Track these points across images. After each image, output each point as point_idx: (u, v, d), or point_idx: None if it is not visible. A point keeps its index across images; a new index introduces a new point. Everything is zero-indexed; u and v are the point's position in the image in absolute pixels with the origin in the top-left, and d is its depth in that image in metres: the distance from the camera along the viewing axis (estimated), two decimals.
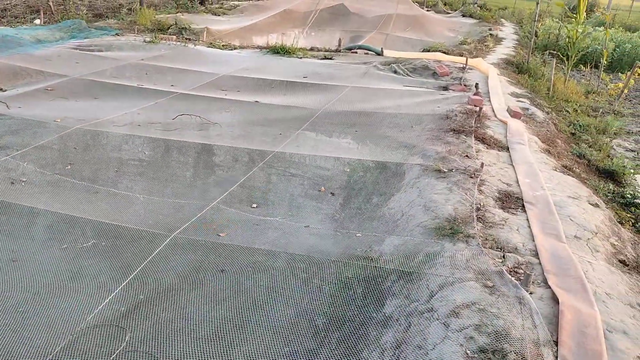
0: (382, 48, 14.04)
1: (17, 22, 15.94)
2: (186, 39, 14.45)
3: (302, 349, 3.82)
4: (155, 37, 13.66)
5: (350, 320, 4.09)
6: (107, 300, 4.07)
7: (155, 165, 7.00)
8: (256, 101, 9.51)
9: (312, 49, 14.24)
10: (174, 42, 13.75)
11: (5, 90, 9.19)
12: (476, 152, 6.83)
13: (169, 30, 15.26)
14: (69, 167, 6.50)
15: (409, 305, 4.03)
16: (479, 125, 7.98)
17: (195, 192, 6.31)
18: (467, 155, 6.61)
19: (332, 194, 6.22)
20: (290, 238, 5.15)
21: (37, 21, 15.63)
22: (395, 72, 11.67)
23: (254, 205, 5.87)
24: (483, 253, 4.46)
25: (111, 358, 3.54)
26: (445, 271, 4.24)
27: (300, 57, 13.12)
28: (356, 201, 6.11)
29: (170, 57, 12.33)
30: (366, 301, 4.29)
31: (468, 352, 3.33)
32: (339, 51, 14.17)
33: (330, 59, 12.96)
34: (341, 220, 5.66)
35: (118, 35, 14.18)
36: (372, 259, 4.69)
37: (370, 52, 14.13)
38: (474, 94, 9.34)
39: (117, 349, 3.61)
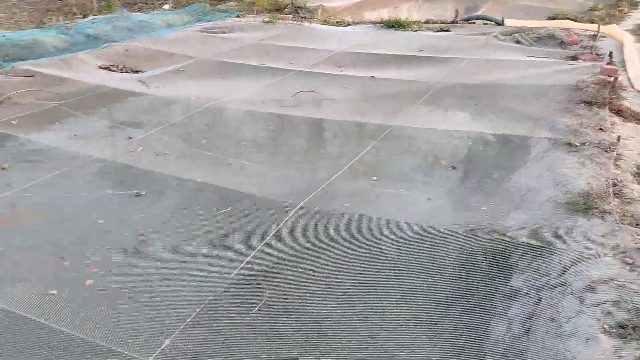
0: (502, 17, 13.40)
1: (148, 7, 17.29)
2: (302, 17, 14.80)
3: (427, 318, 3.90)
4: (273, 17, 14.14)
5: (475, 293, 4.10)
6: (245, 261, 4.43)
7: (279, 139, 7.36)
8: (372, 76, 9.58)
9: (426, 22, 13.95)
10: (291, 22, 14.16)
11: (144, 72, 10.08)
12: (611, 124, 6.40)
13: (285, 9, 15.70)
14: (204, 141, 7.05)
15: (539, 279, 3.96)
16: (613, 96, 7.43)
17: (317, 165, 6.57)
18: (600, 128, 6.22)
19: (454, 167, 6.17)
20: (413, 210, 5.23)
21: (166, 6, 16.84)
22: (517, 42, 11.13)
23: (374, 178, 6.00)
24: (621, 229, 4.23)
25: (253, 311, 3.88)
26: (579, 246, 4.09)
27: (415, 30, 12.93)
28: (478, 175, 6.01)
29: (288, 36, 12.73)
30: (491, 274, 4.27)
31: (605, 326, 3.24)
32: (456, 22, 13.74)
33: (447, 30, 12.63)
34: (463, 193, 5.62)
35: (239, 17, 14.87)
36: (497, 232, 4.64)
37: (489, 22, 13.55)
38: (607, 64, 8.69)
39: (258, 304, 3.94)
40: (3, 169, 6.13)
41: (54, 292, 4.06)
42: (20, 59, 10.00)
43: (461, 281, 4.21)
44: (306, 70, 10.20)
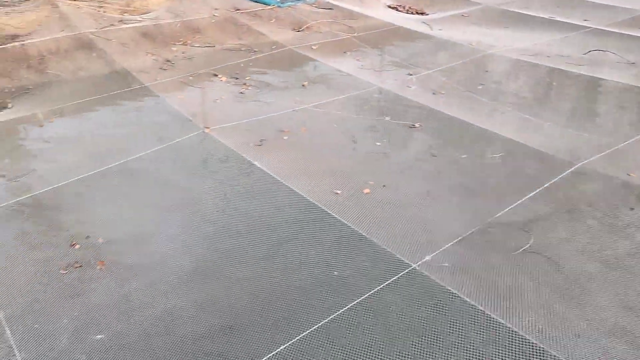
0: None
1: None
2: None
3: None
4: None
5: None
6: (512, 205, 4.45)
7: (560, 96, 6.93)
8: None
9: None
10: None
11: (428, 14, 10.34)
12: None
13: None
14: (480, 87, 7.05)
15: None
16: None
17: (602, 128, 6.05)
18: None
19: None
20: None
21: None
22: None
23: None
24: None
25: (513, 253, 3.94)
26: None
27: None
28: None
29: None
30: None
31: None
32: None
33: None
34: None
35: None
36: None
37: None
38: None
39: (520, 248, 3.98)
40: (303, 85, 7.11)
41: (339, 191, 4.71)
42: None
43: None
44: (603, 28, 9.20)
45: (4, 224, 4.33)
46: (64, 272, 3.84)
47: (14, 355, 3.17)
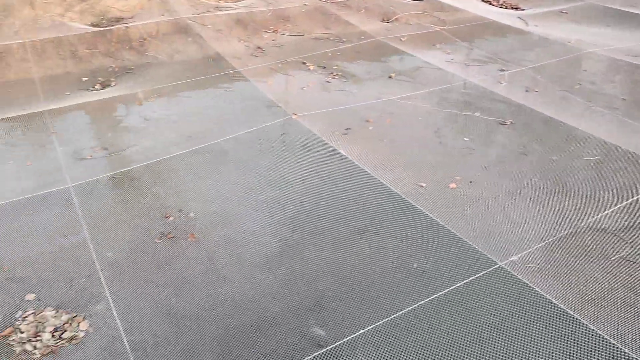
0: None
1: None
2: None
3: None
4: None
5: None
6: (607, 211, 4.24)
7: None
8: None
9: None
10: None
11: (524, 10, 9.94)
12: None
13: None
14: (577, 87, 6.71)
15: None
16: None
17: None
18: None
19: None
20: None
21: None
22: None
23: None
24: None
25: (607, 260, 3.75)
26: None
27: None
28: None
29: None
30: None
31: None
32: None
33: None
34: None
35: None
36: None
37: None
38: None
39: (614, 256, 3.78)
40: (390, 77, 7.07)
41: (424, 184, 4.67)
42: None
43: None
44: None
45: (107, 191, 4.66)
46: (159, 241, 4.08)
47: (112, 312, 3.42)
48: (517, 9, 10.02)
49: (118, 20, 8.51)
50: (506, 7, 10.11)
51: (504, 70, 7.15)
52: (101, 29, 8.09)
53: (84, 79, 6.93)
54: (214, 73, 7.06)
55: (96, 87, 6.77)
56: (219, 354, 3.13)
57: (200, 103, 6.32)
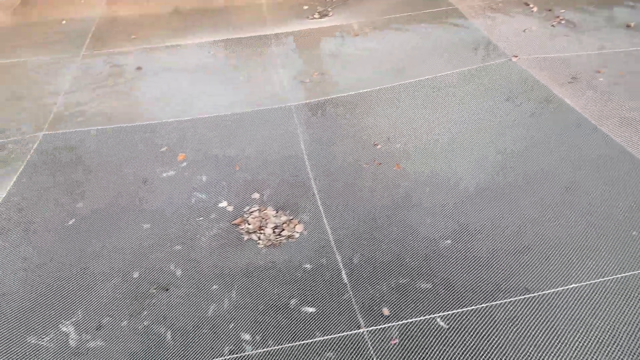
0: None
1: None
2: None
3: None
4: None
5: None
6: None
7: None
8: None
9: None
10: None
11: None
12: None
13: None
14: None
15: None
16: None
17: None
18: None
19: None
20: None
21: None
22: None
23: None
24: None
25: None
26: None
27: None
28: None
29: None
30: None
31: None
32: None
33: None
34: None
35: None
36: None
37: None
38: None
39: None
40: (628, 26, 6.21)
41: None
42: None
43: None
44: None
45: (322, 114, 4.95)
46: (366, 166, 4.25)
47: (322, 220, 3.70)
48: None
49: None
50: None
51: None
52: None
53: (305, 7, 7.30)
54: (430, 8, 6.90)
55: (315, 15, 7.10)
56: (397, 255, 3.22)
57: (415, 38, 6.26)
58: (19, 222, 3.83)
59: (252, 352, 2.84)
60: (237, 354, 2.84)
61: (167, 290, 3.24)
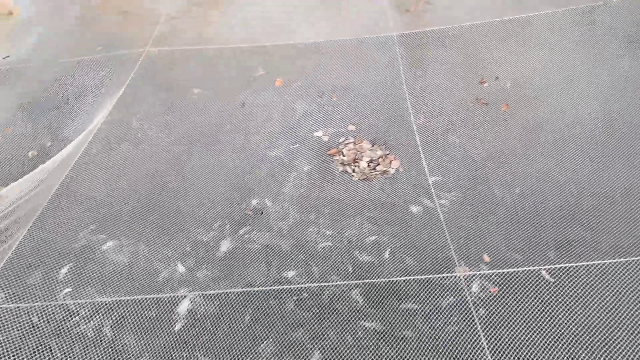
0: None
1: None
2: None
3: None
4: None
5: None
6: None
7: None
8: None
9: None
10: None
11: None
12: None
13: None
14: None
15: None
16: None
17: None
18: None
19: None
20: None
21: None
22: None
23: None
24: None
25: None
26: None
27: None
28: None
29: None
30: None
31: None
32: None
33: None
34: None
35: None
36: None
37: None
38: None
39: None
40: None
41: None
42: None
43: None
44: None
45: (424, 44, 4.64)
46: (471, 104, 3.96)
47: (421, 158, 3.52)
48: None
49: None
50: None
51: None
52: None
53: None
54: None
55: None
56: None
57: None
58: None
59: (343, 282, 2.79)
60: (326, 282, 2.81)
61: (261, 213, 3.24)
